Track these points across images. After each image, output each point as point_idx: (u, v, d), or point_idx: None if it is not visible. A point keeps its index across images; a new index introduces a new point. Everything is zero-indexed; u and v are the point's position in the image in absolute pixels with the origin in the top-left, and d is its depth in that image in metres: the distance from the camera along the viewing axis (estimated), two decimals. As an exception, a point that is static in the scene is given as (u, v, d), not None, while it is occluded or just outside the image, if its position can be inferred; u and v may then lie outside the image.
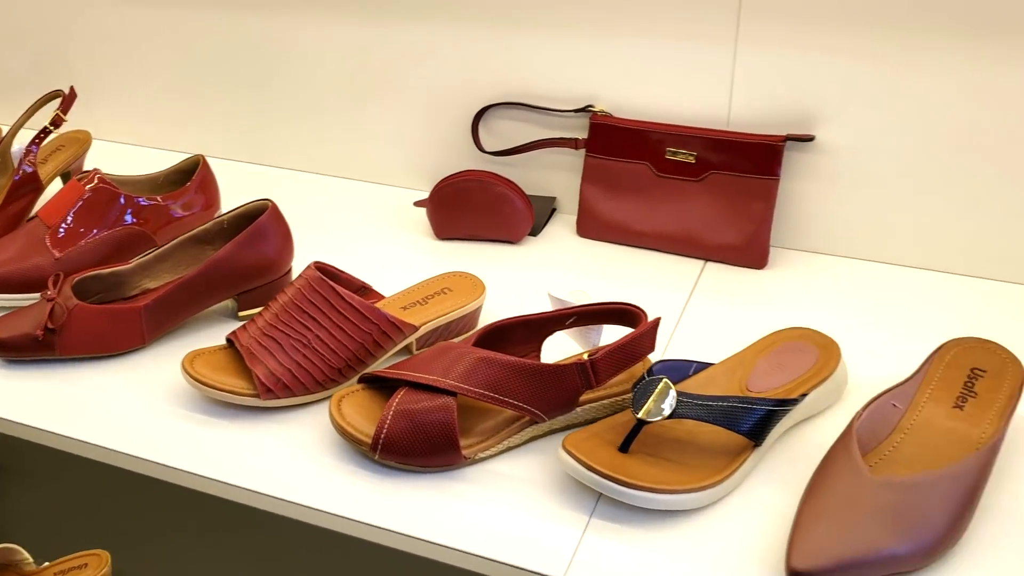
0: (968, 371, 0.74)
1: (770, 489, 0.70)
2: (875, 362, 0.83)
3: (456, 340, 0.82)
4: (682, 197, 1.02)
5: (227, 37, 1.21)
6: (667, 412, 0.69)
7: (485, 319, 0.88)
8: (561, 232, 1.09)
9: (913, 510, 0.62)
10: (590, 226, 1.07)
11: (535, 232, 1.08)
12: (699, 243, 1.02)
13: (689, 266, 1.01)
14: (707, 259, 1.02)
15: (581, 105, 1.06)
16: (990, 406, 0.71)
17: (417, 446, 0.71)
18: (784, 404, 0.72)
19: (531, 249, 1.06)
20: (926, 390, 0.74)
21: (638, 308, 0.78)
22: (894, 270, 0.98)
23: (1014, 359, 0.75)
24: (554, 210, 1.12)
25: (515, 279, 0.99)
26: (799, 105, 0.97)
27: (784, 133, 0.97)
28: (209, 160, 1.07)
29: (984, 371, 0.74)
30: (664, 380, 0.70)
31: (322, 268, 0.83)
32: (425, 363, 0.74)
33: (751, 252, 1.00)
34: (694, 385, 0.77)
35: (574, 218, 1.08)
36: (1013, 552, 0.65)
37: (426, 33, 1.10)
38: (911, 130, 0.93)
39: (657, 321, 0.76)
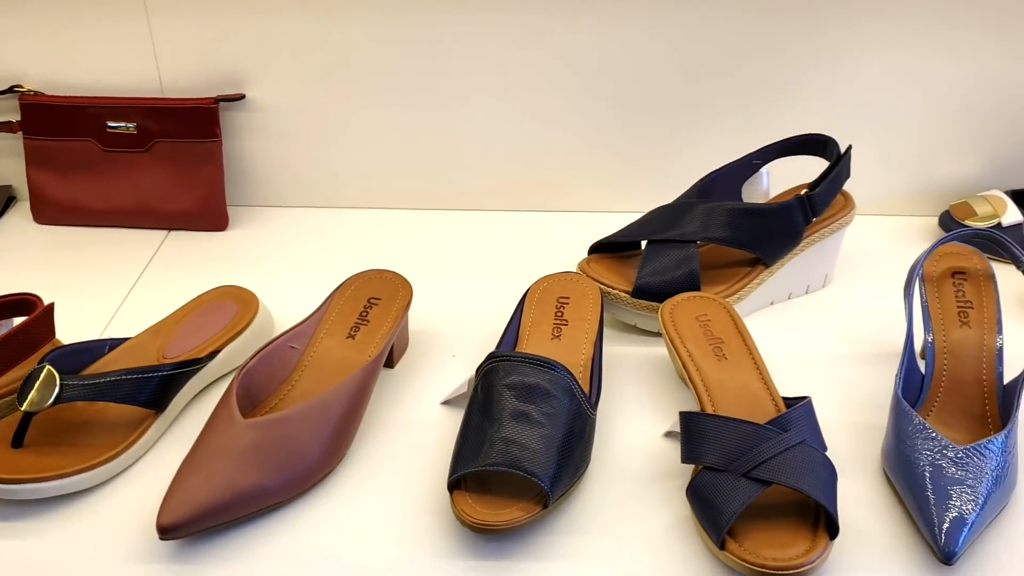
0: (365, 301, 0.81)
1: (181, 451, 0.71)
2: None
3: None
4: (133, 169, 1.00)
5: None
6: (52, 399, 0.68)
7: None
8: (18, 223, 1.03)
9: (281, 444, 0.67)
10: (45, 212, 1.02)
11: (-15, 227, 1.01)
12: (158, 214, 1.01)
13: (151, 238, 1.00)
14: (170, 228, 1.02)
15: (7, 86, 0.99)
16: (378, 330, 0.78)
17: None
18: (182, 367, 0.74)
19: (-21, 246, 0.99)
20: (324, 326, 0.79)
21: (32, 296, 0.76)
22: (344, 213, 1.04)
23: (405, 283, 0.82)
24: (12, 199, 1.06)
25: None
26: (226, 66, 0.98)
27: (214, 95, 0.98)
28: None
29: (379, 299, 0.81)
30: (47, 368, 0.69)
31: None
32: None
33: (209, 215, 1.01)
34: (106, 363, 0.76)
35: (32, 206, 1.03)
36: (396, 458, 0.72)
37: None
38: (333, 82, 0.98)
39: (48, 307, 0.74)
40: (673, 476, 0.70)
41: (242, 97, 0.98)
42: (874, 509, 0.67)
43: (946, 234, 0.75)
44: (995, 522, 0.66)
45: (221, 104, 0.98)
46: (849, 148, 0.87)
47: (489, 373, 0.70)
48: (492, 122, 0.99)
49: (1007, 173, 1.00)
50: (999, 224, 0.94)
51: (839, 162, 0.86)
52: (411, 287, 0.82)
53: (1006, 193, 0.97)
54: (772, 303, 0.89)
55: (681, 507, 0.67)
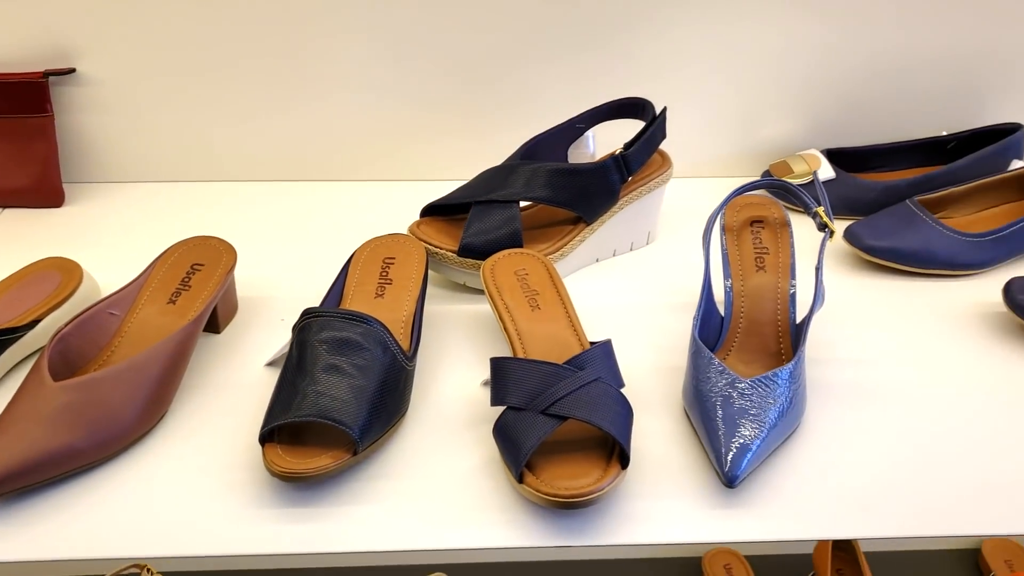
0: (188, 267, 0.81)
1: (-5, 419, 0.72)
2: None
3: None
4: (-39, 147, 0.99)
5: None
6: None
7: None
8: None
9: (93, 405, 0.67)
10: None
11: None
12: (-10, 191, 1.00)
13: (-17, 216, 0.99)
14: (4, 206, 1.00)
15: None
16: (199, 295, 0.79)
17: None
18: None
19: None
20: (145, 292, 0.79)
21: None
22: (180, 186, 1.04)
23: (229, 248, 0.83)
24: None
25: None
26: (55, 40, 0.97)
27: (43, 69, 0.97)
28: None
29: (202, 264, 0.82)
30: None
31: None
32: None
33: (44, 192, 1.00)
34: (-82, 337, 0.76)
35: None
36: (215, 418, 0.73)
37: None
38: (165, 54, 0.98)
39: None
40: (487, 421, 0.72)
41: (72, 71, 0.97)
42: (672, 442, 0.72)
43: (737, 187, 0.80)
44: (783, 448, 0.71)
45: (53, 79, 0.97)
46: (664, 110, 0.91)
47: (304, 329, 0.71)
48: (328, 94, 1.00)
49: (824, 132, 1.07)
50: (813, 181, 1.00)
51: (653, 123, 0.90)
52: (235, 252, 0.82)
53: (821, 152, 1.03)
54: (598, 260, 0.93)
55: (492, 449, 0.70)
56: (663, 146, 0.94)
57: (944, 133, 1.05)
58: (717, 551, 1.29)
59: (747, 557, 1.29)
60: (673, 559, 1.31)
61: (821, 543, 1.27)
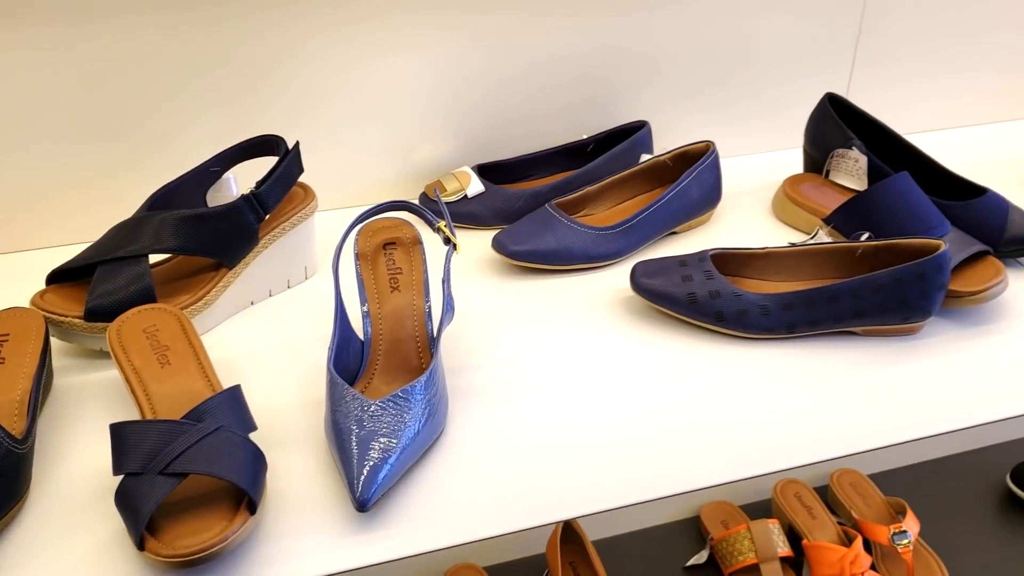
0: None
1: None
2: None
3: None
4: None
5: None
6: None
7: None
8: None
9: None
10: None
11: None
12: None
13: None
14: None
15: None
16: None
17: None
18: None
19: None
20: None
21: None
22: None
23: None
24: None
25: None
26: None
27: None
28: None
29: None
30: None
31: None
32: None
33: None
34: None
35: None
36: None
37: None
38: None
39: None
40: (117, 491, 0.69)
41: None
42: (314, 477, 0.71)
43: (357, 216, 0.80)
44: (425, 460, 0.72)
45: None
46: (296, 144, 0.91)
47: None
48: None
49: (478, 149, 1.11)
50: (465, 196, 1.04)
51: (285, 158, 0.89)
52: None
53: (473, 168, 1.07)
54: (253, 303, 0.91)
55: (120, 520, 0.67)
56: (310, 179, 0.95)
57: (585, 137, 1.12)
58: (457, 568, 1.30)
59: (486, 568, 1.31)
60: (416, 586, 1.31)
61: (551, 540, 1.30)
